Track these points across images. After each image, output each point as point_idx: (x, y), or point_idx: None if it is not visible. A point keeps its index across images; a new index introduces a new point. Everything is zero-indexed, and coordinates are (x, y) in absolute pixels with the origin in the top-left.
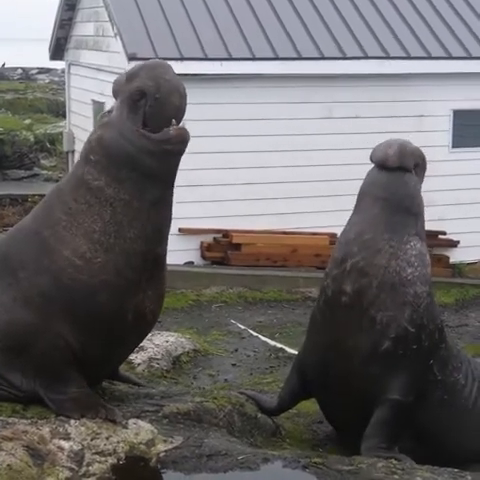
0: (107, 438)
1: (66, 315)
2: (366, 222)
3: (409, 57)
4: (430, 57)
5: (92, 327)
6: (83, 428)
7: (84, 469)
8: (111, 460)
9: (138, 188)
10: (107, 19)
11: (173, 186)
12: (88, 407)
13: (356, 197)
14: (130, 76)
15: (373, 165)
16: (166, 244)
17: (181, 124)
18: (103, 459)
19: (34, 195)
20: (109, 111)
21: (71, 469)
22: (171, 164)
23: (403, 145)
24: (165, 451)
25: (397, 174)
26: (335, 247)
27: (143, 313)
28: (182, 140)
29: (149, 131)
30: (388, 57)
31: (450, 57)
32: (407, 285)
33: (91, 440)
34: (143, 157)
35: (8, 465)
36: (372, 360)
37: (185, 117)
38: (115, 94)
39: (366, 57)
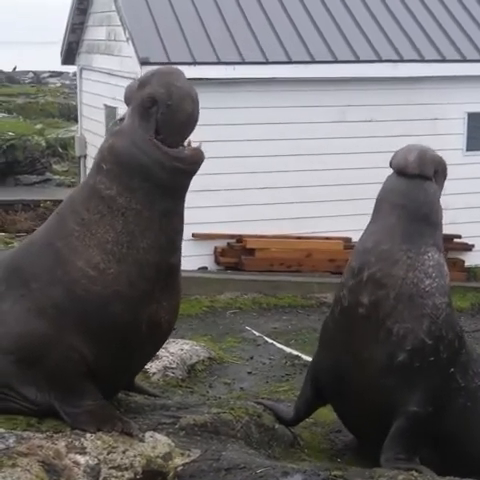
0: (124, 452)
1: (79, 327)
2: (384, 231)
3: (423, 60)
4: (444, 60)
5: (106, 338)
6: (99, 442)
7: None
8: (128, 475)
9: (149, 198)
10: (119, 23)
11: (184, 198)
12: (104, 420)
13: (374, 204)
14: (142, 83)
15: (392, 171)
16: (180, 254)
17: (198, 144)
18: (120, 474)
19: (46, 200)
20: (121, 119)
21: None
22: (182, 181)
23: (423, 152)
24: (183, 465)
25: (416, 181)
26: (352, 256)
27: (158, 323)
28: (196, 161)
29: (162, 139)
30: (402, 60)
31: (464, 60)
32: (425, 297)
33: (107, 454)
34: (154, 168)
35: None
36: (388, 372)
37: (198, 122)
38: (127, 101)
39: (380, 60)
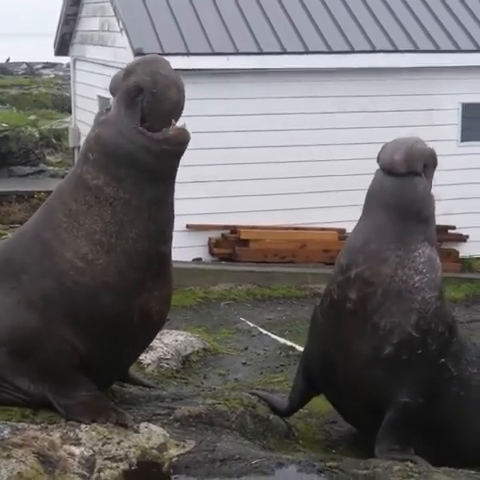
0: (118, 443)
1: (70, 318)
2: (373, 230)
3: (417, 50)
4: (439, 50)
5: (97, 330)
6: (94, 433)
7: (95, 475)
8: (123, 466)
9: (137, 187)
10: (113, 14)
11: (173, 185)
12: (98, 411)
13: (364, 200)
14: (127, 72)
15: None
16: (170, 243)
17: (182, 123)
18: (115, 465)
19: (40, 192)
20: (107, 109)
21: (82, 476)
22: (170, 164)
23: (410, 148)
24: (177, 456)
25: (405, 179)
26: (341, 252)
27: (149, 314)
28: (182, 141)
29: (148, 127)
30: (396, 51)
31: (459, 50)
32: (414, 292)
33: (102, 445)
34: (141, 155)
35: (19, 473)
36: (374, 365)
37: (192, 112)
38: (113, 91)
39: (374, 51)
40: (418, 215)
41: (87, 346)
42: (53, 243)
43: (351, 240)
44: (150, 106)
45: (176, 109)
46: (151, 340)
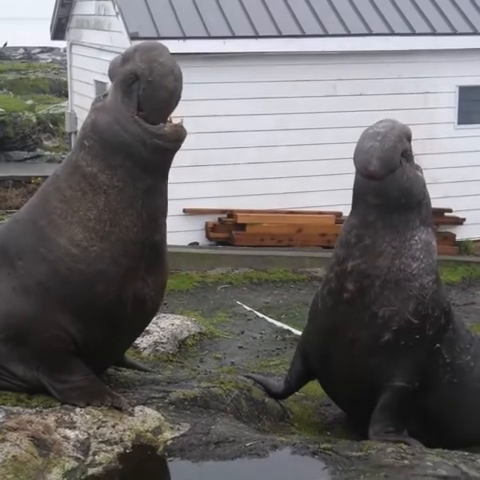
0: (113, 426)
1: (65, 305)
2: (364, 227)
3: (414, 33)
4: (435, 33)
5: (92, 316)
6: (89, 416)
7: (90, 458)
8: (117, 449)
9: (131, 176)
10: None
11: (167, 176)
12: (94, 395)
13: (352, 195)
14: (124, 58)
15: None
16: (164, 232)
17: (179, 120)
18: (109, 448)
19: (37, 177)
20: (104, 95)
21: (77, 459)
22: (164, 159)
23: (382, 152)
24: (172, 439)
25: (385, 179)
26: (337, 244)
27: (143, 301)
28: (177, 138)
29: (144, 116)
30: (393, 34)
31: (455, 33)
32: (412, 280)
33: (97, 428)
34: (136, 145)
35: (13, 456)
36: (372, 351)
37: (188, 97)
38: (111, 76)
39: (371, 34)
40: (408, 205)
41: (82, 332)
42: (48, 229)
43: (345, 234)
44: (146, 94)
45: (172, 98)
46: (145, 327)
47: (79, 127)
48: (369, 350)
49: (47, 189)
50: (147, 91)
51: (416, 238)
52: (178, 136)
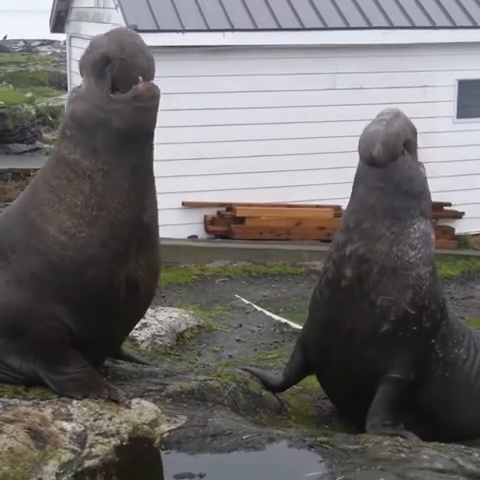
0: (110, 419)
1: (59, 295)
2: (364, 211)
3: (413, 27)
4: (434, 27)
5: (86, 304)
6: (85, 409)
7: (87, 451)
8: (114, 441)
9: (115, 156)
10: None
11: (152, 150)
12: (90, 387)
13: (353, 182)
14: (92, 46)
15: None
16: (154, 212)
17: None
18: (106, 440)
19: (36, 169)
20: (79, 87)
21: (74, 451)
22: (145, 123)
23: (386, 138)
24: (169, 431)
25: (388, 166)
26: (336, 231)
27: (136, 283)
28: (152, 95)
29: (120, 95)
30: (392, 27)
31: (454, 26)
32: (409, 268)
33: (94, 421)
34: (115, 121)
35: (10, 448)
36: (371, 342)
37: (187, 89)
38: (81, 70)
39: (370, 27)
40: (409, 193)
41: (78, 322)
42: (37, 221)
43: (345, 220)
44: (120, 73)
45: (146, 75)
46: (141, 314)
47: None
48: (367, 341)
49: (36, 183)
50: (120, 70)
51: (415, 226)
52: (153, 93)
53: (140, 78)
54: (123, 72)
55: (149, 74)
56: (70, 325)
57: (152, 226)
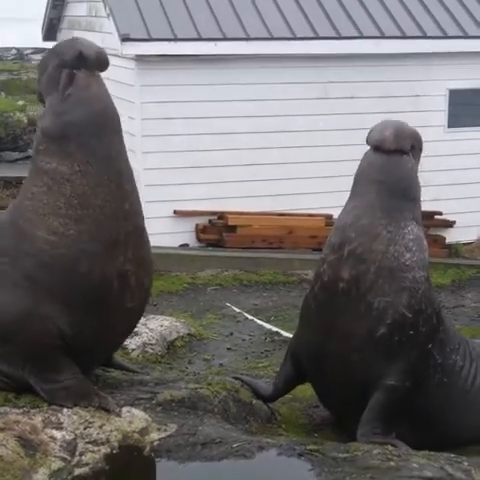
0: (100, 427)
1: (53, 296)
2: (363, 207)
3: (405, 37)
4: (426, 36)
5: (80, 303)
6: (76, 417)
7: (77, 459)
8: (104, 449)
9: (88, 152)
10: None
11: (122, 138)
12: (81, 395)
13: (353, 180)
14: (42, 66)
15: (369, 148)
16: (135, 202)
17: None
18: (96, 448)
19: None
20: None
21: (64, 459)
22: (101, 108)
23: (400, 126)
24: (159, 439)
25: (394, 157)
26: (331, 232)
27: (127, 276)
28: (98, 53)
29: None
30: (383, 37)
31: (446, 36)
32: (405, 270)
33: (84, 429)
34: (74, 118)
35: (0, 456)
36: (367, 346)
37: (179, 98)
38: (40, 97)
39: (361, 37)
40: (406, 193)
41: (72, 324)
42: (25, 226)
43: (341, 219)
44: (74, 68)
45: (101, 68)
46: (138, 313)
47: None
48: (364, 345)
49: (18, 196)
50: (75, 65)
51: (409, 229)
52: (99, 53)
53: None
54: (78, 66)
55: (104, 62)
56: (65, 329)
57: (136, 216)
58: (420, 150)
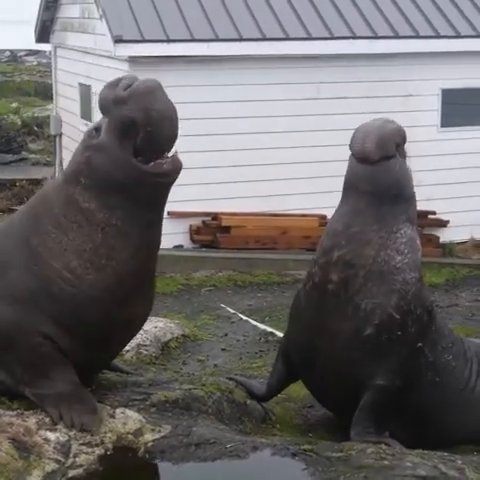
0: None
1: (52, 319)
2: (353, 215)
3: (397, 36)
4: (418, 36)
5: (79, 333)
6: None
7: (71, 460)
8: (98, 451)
9: (129, 214)
10: (92, 1)
11: (163, 210)
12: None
13: (342, 185)
14: (119, 100)
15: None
16: (157, 254)
17: (173, 150)
18: (90, 450)
19: (22, 179)
20: (96, 128)
21: (57, 461)
22: (163, 192)
23: (381, 131)
24: (153, 441)
25: (379, 165)
26: (323, 235)
27: (133, 319)
28: (175, 172)
29: (141, 161)
30: (376, 37)
31: (438, 36)
32: (396, 273)
33: (78, 431)
34: (135, 188)
35: None
36: (355, 345)
37: (172, 100)
38: (102, 110)
39: (354, 37)
40: (398, 197)
41: (67, 345)
42: (40, 249)
43: (332, 224)
44: (144, 143)
45: (170, 144)
46: (134, 335)
47: (64, 130)
48: (352, 344)
49: (39, 209)
50: (145, 140)
51: (402, 232)
52: (176, 170)
53: (166, 153)
54: (147, 142)
55: (173, 140)
56: (61, 345)
57: (154, 269)
58: (404, 142)
